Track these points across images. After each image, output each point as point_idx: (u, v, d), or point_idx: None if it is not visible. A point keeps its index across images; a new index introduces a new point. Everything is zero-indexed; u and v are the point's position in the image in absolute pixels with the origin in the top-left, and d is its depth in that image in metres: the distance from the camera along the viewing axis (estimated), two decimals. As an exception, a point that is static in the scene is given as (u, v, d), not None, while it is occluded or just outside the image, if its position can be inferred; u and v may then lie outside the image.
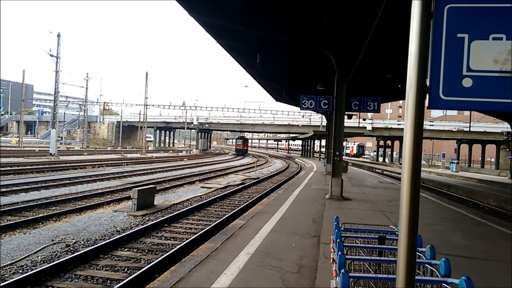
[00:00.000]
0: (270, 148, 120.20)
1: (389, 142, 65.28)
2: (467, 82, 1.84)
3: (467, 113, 54.65)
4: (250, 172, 29.25)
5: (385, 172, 39.07)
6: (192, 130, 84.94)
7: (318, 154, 56.29)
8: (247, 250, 6.20)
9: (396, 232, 3.07)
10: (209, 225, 10.04)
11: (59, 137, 51.64)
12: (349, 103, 18.31)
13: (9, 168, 21.67)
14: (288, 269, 5.37)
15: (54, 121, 37.16)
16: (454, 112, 69.49)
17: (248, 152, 74.76)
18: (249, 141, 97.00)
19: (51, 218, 10.37)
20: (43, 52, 37.76)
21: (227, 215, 11.31)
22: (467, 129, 49.41)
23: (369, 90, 22.05)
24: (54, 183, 16.83)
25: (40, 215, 10.43)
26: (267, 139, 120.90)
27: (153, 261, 6.85)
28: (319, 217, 9.50)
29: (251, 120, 72.67)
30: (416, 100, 1.81)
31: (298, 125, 67.86)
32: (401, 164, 1.96)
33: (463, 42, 1.84)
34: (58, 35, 36.33)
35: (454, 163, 44.23)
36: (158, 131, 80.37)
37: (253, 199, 14.73)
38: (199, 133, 77.48)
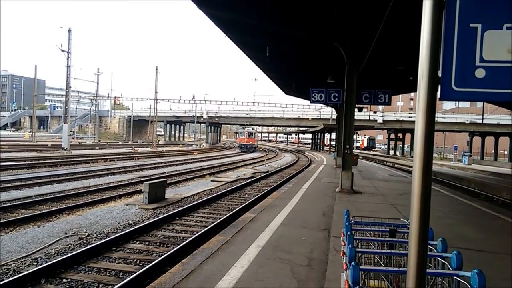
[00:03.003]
0: (279, 141, 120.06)
1: (400, 135, 64.72)
2: (480, 73, 1.81)
3: (480, 105, 53.88)
4: (260, 165, 29.28)
5: (396, 165, 38.77)
6: (202, 124, 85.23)
7: (328, 147, 56.05)
8: (258, 243, 6.23)
9: (407, 225, 3.06)
10: (220, 218, 10.09)
11: (71, 131, 52.28)
12: (359, 96, 18.20)
13: (22, 163, 22.05)
14: (298, 262, 5.38)
15: (66, 116, 37.60)
16: (466, 104, 68.59)
17: (258, 147, 63.06)
18: (259, 134, 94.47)
19: (64, 211, 10.53)
20: (55, 47, 38.05)
21: (237, 209, 11.36)
22: (480, 121, 48.66)
23: (380, 82, 21.81)
24: (66, 177, 17.07)
25: (53, 209, 10.61)
26: (277, 133, 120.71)
27: (165, 253, 6.93)
28: (329, 210, 9.49)
29: (261, 113, 72.69)
30: (427, 91, 1.78)
31: (308, 119, 67.68)
32: (412, 157, 1.94)
33: (476, 32, 1.80)
34: (69, 31, 36.64)
35: (467, 155, 43.69)
36: (168, 125, 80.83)
37: (263, 192, 14.76)
38: (209, 127, 77.71)
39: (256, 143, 60.40)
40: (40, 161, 23.63)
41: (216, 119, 75.20)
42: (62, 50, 36.64)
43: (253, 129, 61.34)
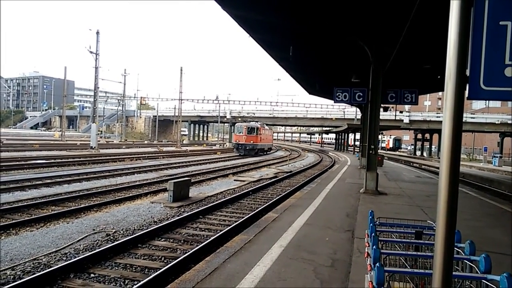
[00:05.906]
0: (302, 141, 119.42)
1: (427, 136, 63.18)
2: (509, 72, 1.76)
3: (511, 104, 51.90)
4: (282, 165, 29.22)
5: (423, 167, 37.87)
6: (225, 124, 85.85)
7: (352, 147, 55.34)
8: (280, 242, 6.23)
9: (434, 227, 3.00)
10: (243, 217, 10.14)
11: (99, 131, 53.67)
12: (385, 96, 17.87)
13: (52, 161, 22.81)
14: (321, 262, 5.35)
15: (94, 116, 38.65)
16: (497, 104, 66.24)
17: (270, 148, 49.96)
18: (278, 134, 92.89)
19: (92, 208, 10.84)
20: (84, 49, 39.26)
21: (260, 208, 11.37)
22: (511, 122, 46.93)
23: (406, 81, 21.36)
24: (94, 175, 17.55)
25: (82, 206, 10.93)
26: (300, 133, 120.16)
27: (189, 251, 7.03)
28: (353, 211, 9.38)
29: (284, 113, 72.60)
30: (455, 90, 1.75)
31: (332, 118, 67.06)
32: (440, 158, 1.89)
33: (505, 29, 1.76)
34: (97, 33, 37.60)
35: (497, 157, 42.22)
36: (192, 125, 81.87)
37: (286, 192, 14.72)
38: (232, 127, 78.11)
39: (265, 143, 45.14)
40: (70, 160, 24.37)
41: (240, 119, 75.49)
42: (91, 52, 37.65)
43: (261, 124, 45.57)
